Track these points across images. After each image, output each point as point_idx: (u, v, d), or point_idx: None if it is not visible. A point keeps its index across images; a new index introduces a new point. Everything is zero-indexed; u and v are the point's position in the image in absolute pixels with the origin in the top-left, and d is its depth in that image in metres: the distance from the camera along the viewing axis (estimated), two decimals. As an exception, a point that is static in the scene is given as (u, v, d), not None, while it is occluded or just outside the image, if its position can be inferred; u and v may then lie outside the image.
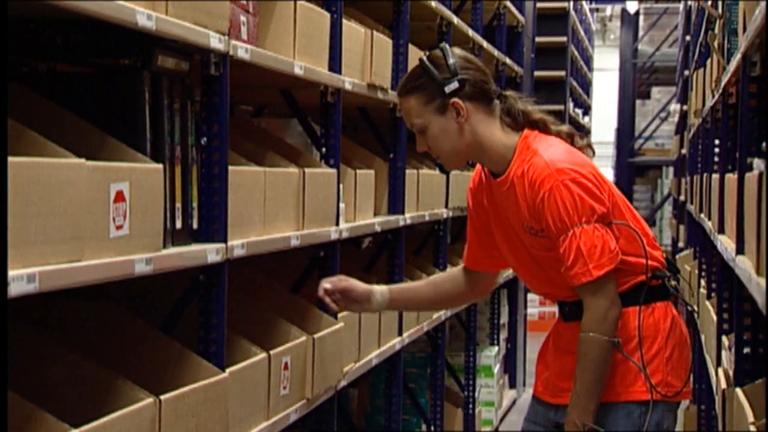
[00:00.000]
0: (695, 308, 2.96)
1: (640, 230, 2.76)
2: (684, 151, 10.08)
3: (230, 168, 2.60)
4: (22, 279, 1.70)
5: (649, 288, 2.75)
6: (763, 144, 3.38)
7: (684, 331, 2.83)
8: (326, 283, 3.00)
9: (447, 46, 2.80)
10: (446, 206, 5.18)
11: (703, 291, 5.52)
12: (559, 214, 2.63)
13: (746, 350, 3.29)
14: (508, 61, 7.01)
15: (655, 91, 17.99)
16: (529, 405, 3.01)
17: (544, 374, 2.90)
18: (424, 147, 2.82)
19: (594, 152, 2.85)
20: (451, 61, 2.75)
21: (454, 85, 2.73)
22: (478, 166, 2.92)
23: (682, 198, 9.87)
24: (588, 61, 15.42)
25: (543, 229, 2.69)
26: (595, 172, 2.70)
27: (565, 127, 2.84)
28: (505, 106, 2.81)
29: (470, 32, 5.70)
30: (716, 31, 4.63)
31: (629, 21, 17.89)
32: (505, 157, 2.77)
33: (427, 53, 2.81)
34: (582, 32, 13.89)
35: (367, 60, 3.81)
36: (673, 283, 2.80)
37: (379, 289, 3.03)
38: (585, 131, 14.90)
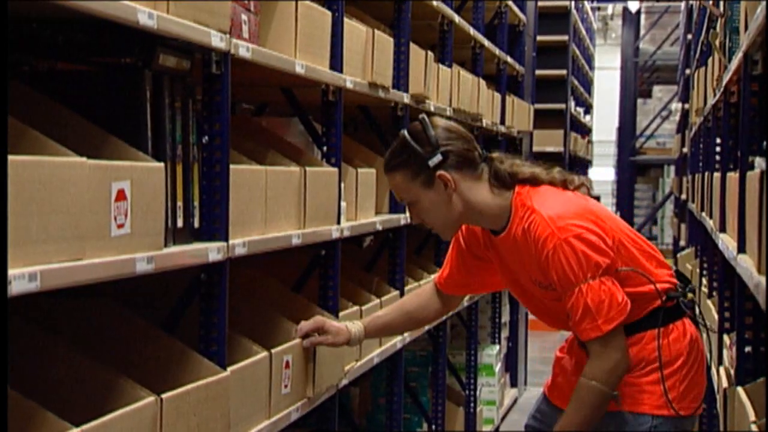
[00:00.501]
0: (711, 326, 2.95)
1: (645, 254, 2.75)
2: (685, 149, 10.07)
3: (231, 167, 2.60)
4: (23, 278, 1.70)
5: (666, 310, 2.75)
6: (765, 143, 3.37)
7: (701, 349, 2.82)
8: (302, 326, 3.04)
9: (426, 118, 2.78)
10: (447, 205, 5.17)
11: (704, 290, 5.52)
12: (564, 272, 2.63)
13: (747, 349, 3.29)
14: (509, 59, 7.00)
15: (657, 89, 17.99)
16: (537, 401, 3.02)
17: (559, 378, 2.90)
18: (418, 219, 2.83)
19: (589, 189, 2.82)
20: (431, 133, 2.74)
21: (438, 158, 2.72)
22: None
23: (683, 197, 9.87)
24: (589, 59, 15.42)
25: (551, 284, 2.70)
26: (595, 217, 2.68)
27: (557, 174, 2.80)
28: (492, 169, 2.79)
29: (471, 31, 5.69)
30: (718, 29, 4.63)
31: (631, 20, 17.89)
32: (502, 216, 2.77)
33: (408, 128, 2.81)
34: (583, 31, 13.88)
35: (369, 59, 3.80)
36: (690, 295, 2.79)
37: (355, 327, 3.08)
38: (586, 130, 14.90)
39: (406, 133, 2.79)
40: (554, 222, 2.64)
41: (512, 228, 2.74)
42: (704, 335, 2.90)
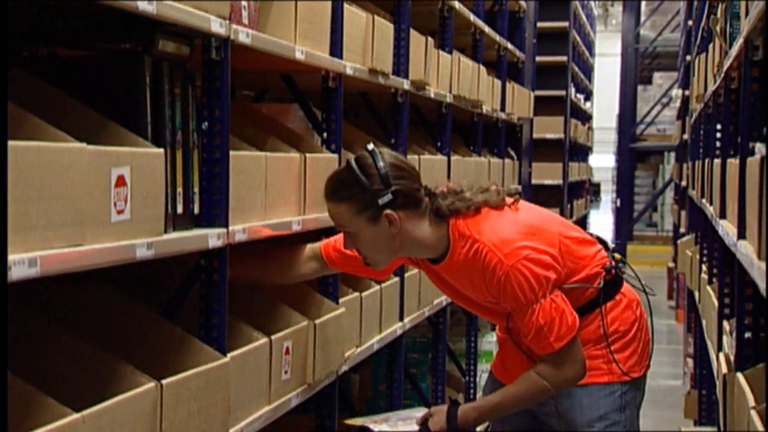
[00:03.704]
0: (649, 288, 3.04)
1: (580, 242, 2.83)
2: (685, 136, 10.07)
3: (231, 153, 2.59)
4: (23, 263, 1.70)
5: (609, 283, 2.86)
6: (765, 128, 3.37)
7: (644, 312, 2.97)
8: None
9: (376, 150, 2.76)
10: (448, 191, 5.17)
11: (704, 276, 5.52)
12: (515, 296, 2.69)
13: (747, 335, 3.29)
14: (509, 46, 6.99)
15: (657, 76, 17.98)
16: (486, 381, 3.13)
17: (502, 355, 3.05)
18: (352, 247, 2.82)
19: (515, 199, 2.83)
20: (381, 165, 2.72)
21: (388, 197, 2.71)
22: None
23: (683, 183, 9.87)
24: (590, 46, 15.40)
25: (500, 302, 2.77)
26: (537, 231, 2.72)
27: (494, 196, 2.80)
28: (434, 206, 2.79)
29: (472, 17, 5.68)
30: (718, 15, 4.62)
31: (631, 6, 17.85)
32: (440, 247, 2.80)
33: (355, 157, 2.77)
34: (584, 17, 13.86)
35: (369, 45, 3.80)
36: (617, 255, 2.90)
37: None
38: (586, 116, 14.89)
39: (354, 164, 2.75)
40: (500, 249, 2.69)
41: (453, 257, 2.79)
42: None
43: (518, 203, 2.84)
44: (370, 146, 2.78)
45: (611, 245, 2.96)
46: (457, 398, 5.83)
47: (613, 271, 2.86)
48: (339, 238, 3.04)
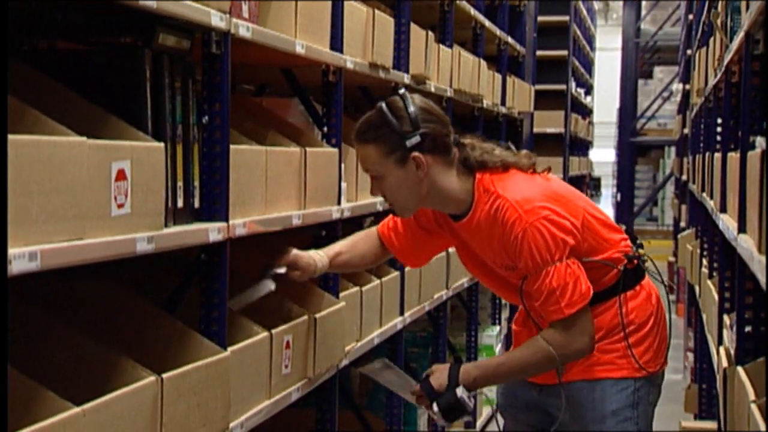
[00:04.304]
0: (670, 283, 3.04)
1: (606, 226, 2.79)
2: (686, 130, 10.06)
3: (232, 147, 2.59)
4: (23, 257, 1.70)
5: (630, 272, 2.81)
6: (766, 122, 3.37)
7: (663, 307, 2.91)
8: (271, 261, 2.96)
9: (407, 94, 2.76)
10: (448, 186, 5.16)
11: (704, 270, 5.52)
12: (531, 255, 2.65)
13: (747, 329, 3.29)
14: (510, 40, 6.99)
15: (658, 70, 17.96)
16: None
17: None
18: (378, 192, 2.80)
19: (548, 170, 2.83)
20: (411, 110, 2.72)
21: (416, 139, 2.70)
22: None
23: (684, 177, 9.86)
24: (590, 40, 15.39)
25: (516, 265, 2.72)
26: (562, 198, 2.71)
27: (524, 158, 2.80)
28: (462, 156, 2.78)
29: (472, 11, 5.68)
30: (719, 9, 4.62)
31: (632, 0, 17.82)
32: (465, 201, 2.77)
33: (386, 101, 2.77)
34: (584, 11, 13.85)
35: (369, 39, 3.79)
36: (641, 251, 2.84)
37: (320, 262, 2.99)
38: (587, 111, 14.88)
39: (385, 107, 2.75)
40: (521, 206, 2.66)
41: (475, 213, 2.75)
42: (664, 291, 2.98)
43: (548, 173, 2.82)
44: (402, 90, 2.78)
45: (639, 242, 2.90)
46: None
47: (635, 261, 2.81)
48: (393, 225, 3.03)
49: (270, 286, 2.89)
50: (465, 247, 2.89)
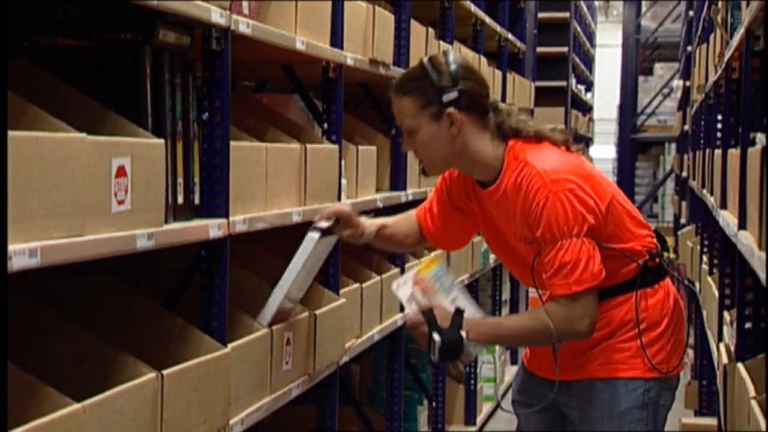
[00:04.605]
0: (694, 283, 2.99)
1: (632, 218, 2.76)
2: (686, 127, 10.06)
3: (232, 143, 2.59)
4: (23, 253, 1.70)
5: (650, 269, 2.77)
6: (766, 118, 3.37)
7: (682, 309, 2.86)
8: (324, 212, 2.94)
9: (450, 52, 2.77)
10: (448, 182, 5.16)
11: (704, 267, 5.52)
12: (550, 225, 2.63)
13: (748, 325, 3.29)
14: (510, 36, 6.98)
15: (658, 67, 17.94)
16: (517, 374, 3.02)
17: (539, 348, 2.90)
18: (410, 148, 2.79)
19: (586, 152, 2.81)
20: (452, 68, 2.71)
21: (453, 94, 2.69)
22: None
23: (684, 174, 9.86)
24: (591, 37, 15.38)
25: (535, 238, 2.69)
26: (590, 177, 2.69)
27: (559, 133, 2.80)
28: (498, 120, 2.77)
29: (473, 8, 5.67)
30: (719, 5, 4.62)
31: (632, -3, 17.80)
32: (494, 168, 2.75)
33: (429, 56, 2.77)
34: (585, 8, 13.84)
35: (369, 35, 3.79)
36: (666, 254, 2.81)
37: (368, 230, 2.98)
38: (587, 107, 14.87)
39: (426, 61, 2.74)
40: (548, 175, 2.64)
41: (503, 181, 2.73)
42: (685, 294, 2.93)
43: (583, 153, 2.81)
44: (446, 49, 2.77)
45: (668, 246, 2.86)
46: (458, 389, 5.83)
47: (658, 260, 2.77)
48: (427, 209, 3.02)
49: (314, 236, 2.84)
50: (489, 222, 2.86)
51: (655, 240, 2.81)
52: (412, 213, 3.09)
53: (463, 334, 2.69)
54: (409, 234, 3.06)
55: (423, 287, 2.83)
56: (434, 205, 3.01)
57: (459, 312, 2.74)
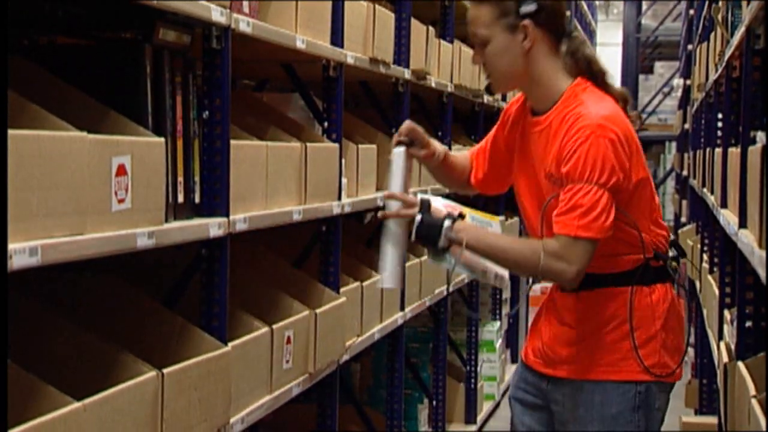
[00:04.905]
0: (694, 285, 2.94)
1: (655, 210, 2.73)
2: (687, 125, 10.06)
3: (232, 142, 2.59)
4: (23, 252, 1.70)
5: (651, 269, 2.72)
6: (766, 117, 3.37)
7: (681, 315, 2.80)
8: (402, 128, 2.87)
9: None
10: (448, 181, 5.17)
11: (705, 265, 5.52)
12: (579, 163, 2.58)
13: (748, 324, 3.29)
14: (510, 35, 6.98)
15: (659, 65, 17.94)
16: (516, 371, 3.00)
17: (535, 341, 2.89)
18: (479, 61, 2.75)
19: (640, 124, 2.78)
20: None
21: (532, 7, 2.66)
22: (521, 95, 2.85)
23: (684, 173, 9.86)
24: (591, 35, 15.37)
25: (561, 175, 2.64)
26: (635, 142, 2.66)
27: (620, 89, 2.78)
28: (572, 47, 2.73)
29: (473, 6, 5.66)
30: (720, 4, 4.62)
31: (632, -5, 17.80)
32: (552, 98, 2.71)
33: None
34: (585, 6, 13.84)
35: (370, 34, 3.79)
36: (674, 264, 2.76)
37: (438, 153, 2.93)
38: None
39: None
40: (597, 118, 2.61)
41: (552, 113, 2.70)
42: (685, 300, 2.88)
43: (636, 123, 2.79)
44: None
45: (679, 258, 2.79)
46: (458, 388, 5.84)
47: (662, 262, 2.72)
48: (479, 150, 2.99)
49: (400, 150, 2.78)
50: (524, 153, 2.82)
51: (667, 243, 2.77)
52: (467, 152, 3.07)
53: (447, 223, 2.65)
54: (464, 170, 3.02)
55: (452, 209, 2.80)
56: (487, 145, 2.97)
57: (454, 216, 2.69)
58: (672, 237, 2.82)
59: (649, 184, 2.72)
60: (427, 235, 2.67)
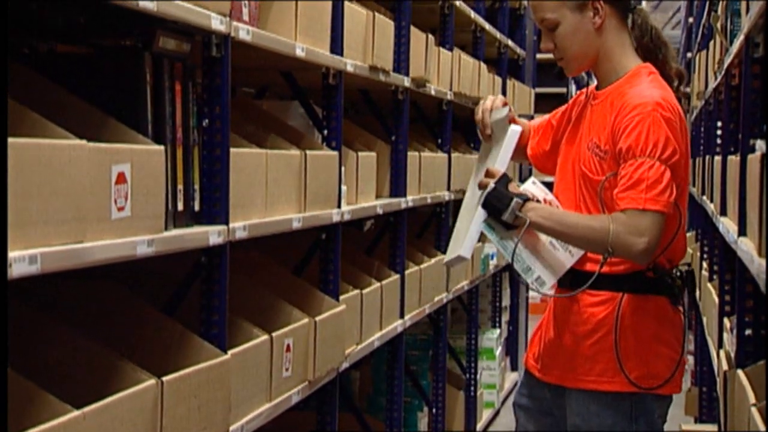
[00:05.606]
0: (695, 301, 2.87)
1: (681, 226, 2.68)
2: (686, 133, 10.05)
3: (232, 150, 2.59)
4: (23, 260, 1.70)
5: (646, 278, 2.67)
6: (766, 125, 3.37)
7: (678, 326, 2.73)
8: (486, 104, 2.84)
9: None
10: (448, 189, 5.18)
11: (704, 273, 5.52)
12: (641, 138, 2.55)
13: (748, 332, 3.30)
14: (510, 43, 6.99)
15: (658, 73, 17.95)
16: (521, 377, 2.99)
17: (534, 347, 2.88)
18: (550, 45, 2.73)
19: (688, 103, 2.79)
20: None
21: None
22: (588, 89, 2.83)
23: (684, 181, 9.86)
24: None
25: (608, 151, 2.62)
26: (686, 127, 2.65)
27: (679, 66, 2.78)
28: (639, 19, 2.73)
29: (472, 14, 5.68)
30: (719, 12, 4.62)
31: (632, 3, 17.82)
32: (617, 74, 2.71)
33: None
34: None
35: (369, 42, 3.80)
36: (678, 282, 2.69)
37: (526, 123, 2.96)
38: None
39: None
40: (658, 98, 2.60)
41: (615, 86, 2.69)
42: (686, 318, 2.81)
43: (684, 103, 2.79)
44: None
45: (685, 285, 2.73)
46: (458, 396, 5.83)
47: (668, 279, 2.66)
48: (539, 126, 2.98)
49: (517, 128, 2.76)
50: (574, 127, 2.80)
51: (677, 259, 2.71)
52: (531, 122, 3.05)
53: (518, 199, 2.61)
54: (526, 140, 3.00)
55: (547, 200, 2.78)
56: (550, 120, 2.94)
57: (527, 197, 2.65)
58: (688, 267, 2.75)
59: (684, 191, 2.68)
60: (494, 205, 2.64)
